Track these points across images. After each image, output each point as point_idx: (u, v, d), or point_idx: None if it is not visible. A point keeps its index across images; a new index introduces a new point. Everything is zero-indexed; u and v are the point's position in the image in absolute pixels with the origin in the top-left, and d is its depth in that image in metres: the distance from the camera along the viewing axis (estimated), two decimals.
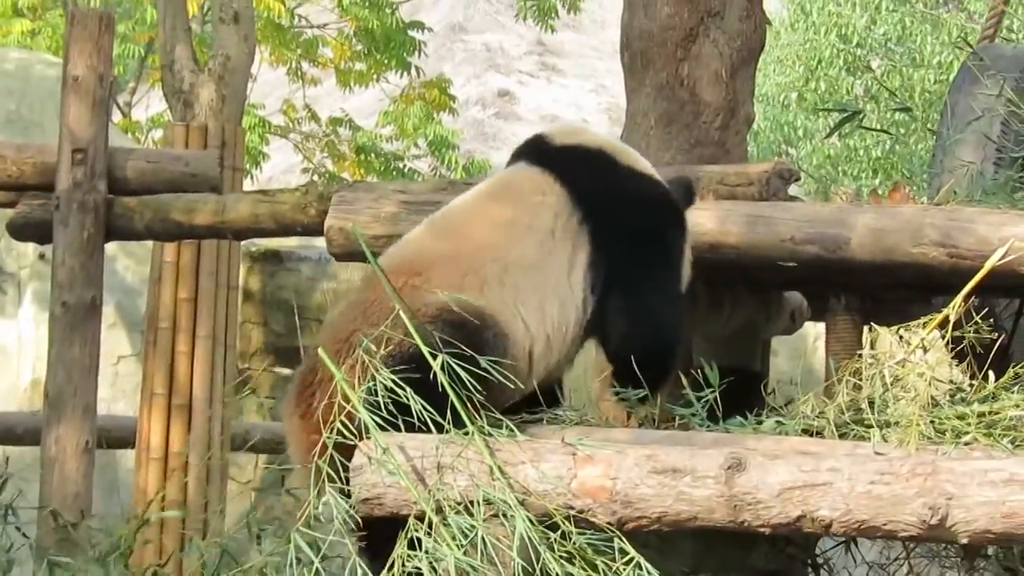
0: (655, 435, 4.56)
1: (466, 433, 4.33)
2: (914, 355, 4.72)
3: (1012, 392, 4.63)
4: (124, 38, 17.44)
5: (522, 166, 4.96)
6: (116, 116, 18.15)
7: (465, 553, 4.18)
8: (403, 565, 4.23)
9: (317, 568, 4.22)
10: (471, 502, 4.26)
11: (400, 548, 4.25)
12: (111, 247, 7.55)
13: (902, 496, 4.09)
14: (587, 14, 26.23)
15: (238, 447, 9.89)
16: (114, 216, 6.77)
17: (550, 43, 32.34)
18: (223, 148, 9.73)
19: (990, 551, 5.13)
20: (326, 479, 4.30)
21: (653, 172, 5.06)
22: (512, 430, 4.39)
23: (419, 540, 4.23)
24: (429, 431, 4.33)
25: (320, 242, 6.04)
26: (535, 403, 4.74)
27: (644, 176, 5.01)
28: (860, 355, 4.88)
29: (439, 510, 4.27)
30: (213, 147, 9.65)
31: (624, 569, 4.18)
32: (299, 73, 17.63)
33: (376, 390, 4.32)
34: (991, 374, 4.73)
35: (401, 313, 4.42)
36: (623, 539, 4.22)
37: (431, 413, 4.30)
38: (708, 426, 4.70)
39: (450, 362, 4.33)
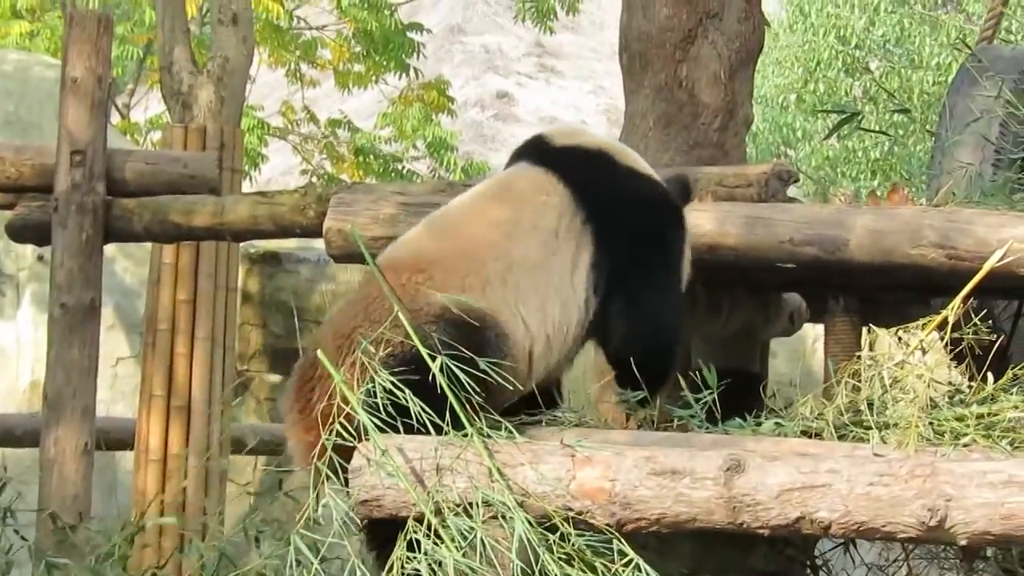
0: (654, 437, 4.55)
1: (465, 435, 4.32)
2: (913, 357, 4.72)
3: (1011, 394, 4.63)
4: (123, 40, 17.42)
5: (523, 166, 4.95)
6: (115, 118, 18.13)
7: (464, 555, 4.18)
8: (402, 567, 4.23)
9: (316, 570, 4.22)
10: (470, 504, 4.26)
11: (399, 550, 4.25)
12: (110, 249, 7.54)
13: (901, 498, 4.08)
14: (586, 16, 26.25)
15: (237, 449, 9.88)
16: (113, 218, 6.77)
17: (549, 45, 32.32)
18: (222, 150, 9.71)
19: (989, 553, 5.13)
20: (325, 481, 4.30)
21: (652, 172, 5.06)
22: (511, 432, 4.38)
23: (418, 542, 4.23)
24: (429, 433, 4.33)
25: (319, 244, 6.04)
26: (534, 404, 4.74)
27: (643, 176, 5.02)
28: (859, 357, 4.88)
29: (438, 512, 4.27)
30: (212, 149, 9.64)
31: (623, 571, 4.18)
32: (298, 75, 17.63)
33: (375, 392, 4.32)
34: (990, 376, 4.72)
35: (400, 315, 4.42)
36: (622, 541, 4.22)
37: (430, 415, 4.30)
38: (707, 428, 4.69)
39: (449, 364, 4.33)
